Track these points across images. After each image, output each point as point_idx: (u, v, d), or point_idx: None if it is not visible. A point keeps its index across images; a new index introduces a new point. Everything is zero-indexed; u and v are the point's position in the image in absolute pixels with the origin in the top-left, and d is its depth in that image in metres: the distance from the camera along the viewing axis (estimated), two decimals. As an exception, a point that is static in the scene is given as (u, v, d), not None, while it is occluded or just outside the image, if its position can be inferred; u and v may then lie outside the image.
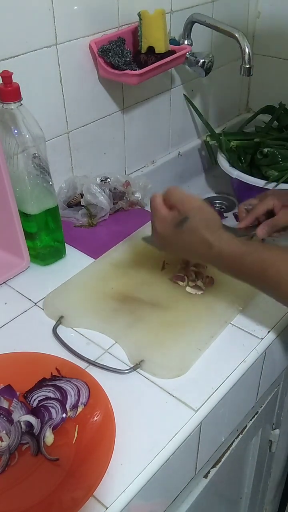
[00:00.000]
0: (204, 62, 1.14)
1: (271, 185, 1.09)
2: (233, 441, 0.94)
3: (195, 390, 0.73)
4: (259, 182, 1.11)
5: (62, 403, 0.69)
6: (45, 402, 0.70)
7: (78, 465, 0.64)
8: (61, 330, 0.83)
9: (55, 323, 0.83)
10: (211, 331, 0.81)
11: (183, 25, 1.17)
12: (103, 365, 0.76)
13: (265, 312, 0.85)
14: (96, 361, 0.77)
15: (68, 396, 0.70)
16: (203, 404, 0.71)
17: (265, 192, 0.95)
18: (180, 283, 0.89)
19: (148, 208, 1.14)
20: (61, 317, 0.84)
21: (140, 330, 0.81)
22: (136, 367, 0.75)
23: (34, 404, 0.70)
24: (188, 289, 0.88)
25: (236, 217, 1.22)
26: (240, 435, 0.96)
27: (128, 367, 0.76)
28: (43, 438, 0.67)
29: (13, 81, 0.81)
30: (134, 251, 0.98)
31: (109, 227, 1.07)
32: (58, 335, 0.81)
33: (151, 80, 1.08)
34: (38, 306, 0.88)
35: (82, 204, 1.08)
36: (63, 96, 1.02)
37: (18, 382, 0.72)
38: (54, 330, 0.82)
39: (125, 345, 0.80)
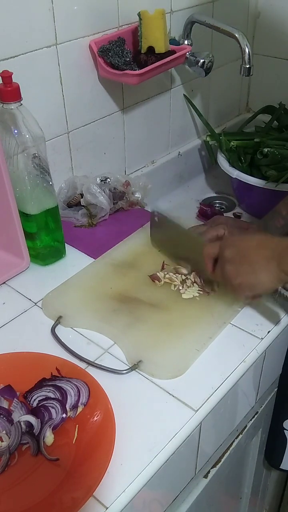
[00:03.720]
0: (204, 62, 1.14)
1: (271, 185, 1.09)
2: (233, 441, 0.94)
3: (195, 390, 0.73)
4: (259, 182, 1.11)
5: (62, 403, 0.69)
6: (45, 402, 0.70)
7: (78, 465, 0.64)
8: (60, 330, 0.83)
9: (53, 323, 0.83)
10: (210, 332, 0.81)
11: (183, 25, 1.17)
12: (101, 365, 0.76)
13: (265, 312, 0.85)
14: (96, 361, 0.77)
15: (68, 396, 0.70)
16: (203, 404, 0.71)
17: (215, 218, 0.96)
18: (157, 282, 0.90)
19: (147, 208, 1.14)
20: (60, 317, 0.84)
21: (139, 331, 0.81)
22: (134, 367, 0.75)
23: (34, 404, 0.70)
24: (185, 295, 0.87)
25: (236, 217, 1.22)
26: (240, 435, 0.96)
27: (127, 368, 0.76)
28: (43, 438, 0.67)
29: (13, 81, 0.81)
30: (134, 251, 0.98)
31: (109, 227, 1.07)
32: (57, 335, 0.81)
33: (151, 80, 1.07)
34: (38, 306, 0.88)
35: (82, 204, 1.08)
36: (63, 96, 1.02)
37: (18, 382, 0.73)
38: (53, 330, 0.82)
39: (123, 345, 0.80)
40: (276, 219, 0.91)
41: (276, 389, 1.01)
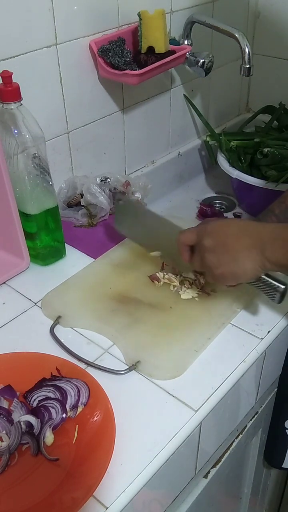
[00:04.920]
0: (204, 62, 1.14)
1: (271, 185, 1.09)
2: (233, 441, 0.94)
3: (195, 390, 0.73)
4: (259, 182, 1.11)
5: (62, 403, 0.69)
6: (45, 402, 0.70)
7: (78, 465, 0.64)
8: (60, 330, 0.83)
9: (52, 323, 0.83)
10: (208, 332, 0.81)
11: (183, 25, 1.17)
12: (99, 365, 0.76)
13: (265, 312, 0.85)
14: (96, 361, 0.77)
15: (68, 396, 0.70)
16: (203, 404, 0.71)
17: (202, 221, 0.94)
18: (156, 282, 0.90)
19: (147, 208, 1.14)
20: (59, 317, 0.84)
21: (137, 331, 0.81)
22: (132, 368, 0.75)
23: (34, 404, 0.70)
24: (184, 295, 0.87)
25: (236, 217, 1.22)
26: (240, 435, 0.96)
27: (125, 368, 0.75)
28: (43, 438, 0.67)
29: (13, 81, 0.81)
30: (134, 252, 0.98)
31: (109, 227, 1.07)
32: (56, 335, 0.81)
33: (151, 80, 1.07)
34: (38, 306, 0.88)
35: (82, 204, 1.08)
36: (63, 96, 1.02)
37: (18, 382, 0.73)
38: (51, 330, 0.82)
39: (122, 346, 0.80)
40: (269, 217, 0.91)
41: (276, 389, 1.01)
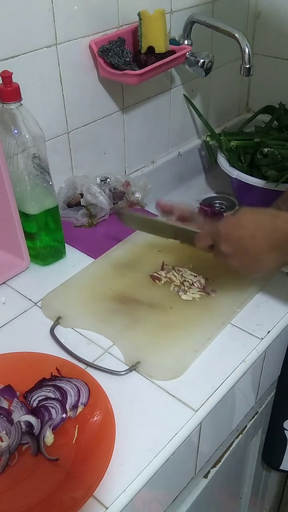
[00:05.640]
0: (204, 62, 1.14)
1: (271, 185, 1.09)
2: (233, 441, 0.94)
3: (195, 390, 0.73)
4: (259, 182, 1.11)
5: (62, 403, 0.69)
6: (45, 402, 0.70)
7: (78, 465, 0.64)
8: (60, 330, 0.83)
9: (52, 323, 0.83)
10: (208, 332, 0.81)
11: (183, 25, 1.17)
12: (99, 366, 0.76)
13: (265, 312, 0.85)
14: (96, 361, 0.77)
15: (68, 396, 0.70)
16: (203, 404, 0.71)
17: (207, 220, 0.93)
18: (157, 282, 0.90)
19: (147, 208, 1.14)
20: (59, 317, 0.84)
21: (137, 332, 0.81)
22: (132, 368, 0.75)
23: (34, 404, 0.70)
24: (184, 296, 0.87)
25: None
26: (240, 435, 0.96)
27: (125, 369, 0.75)
28: (43, 438, 0.67)
29: (13, 81, 0.81)
30: (134, 252, 0.98)
31: (109, 227, 1.07)
32: (56, 336, 0.81)
33: (151, 80, 1.07)
34: (38, 306, 0.88)
35: (82, 204, 1.08)
36: (63, 96, 1.02)
37: (18, 382, 0.73)
38: (52, 331, 0.82)
39: (122, 346, 0.80)
40: None
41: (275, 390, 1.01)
